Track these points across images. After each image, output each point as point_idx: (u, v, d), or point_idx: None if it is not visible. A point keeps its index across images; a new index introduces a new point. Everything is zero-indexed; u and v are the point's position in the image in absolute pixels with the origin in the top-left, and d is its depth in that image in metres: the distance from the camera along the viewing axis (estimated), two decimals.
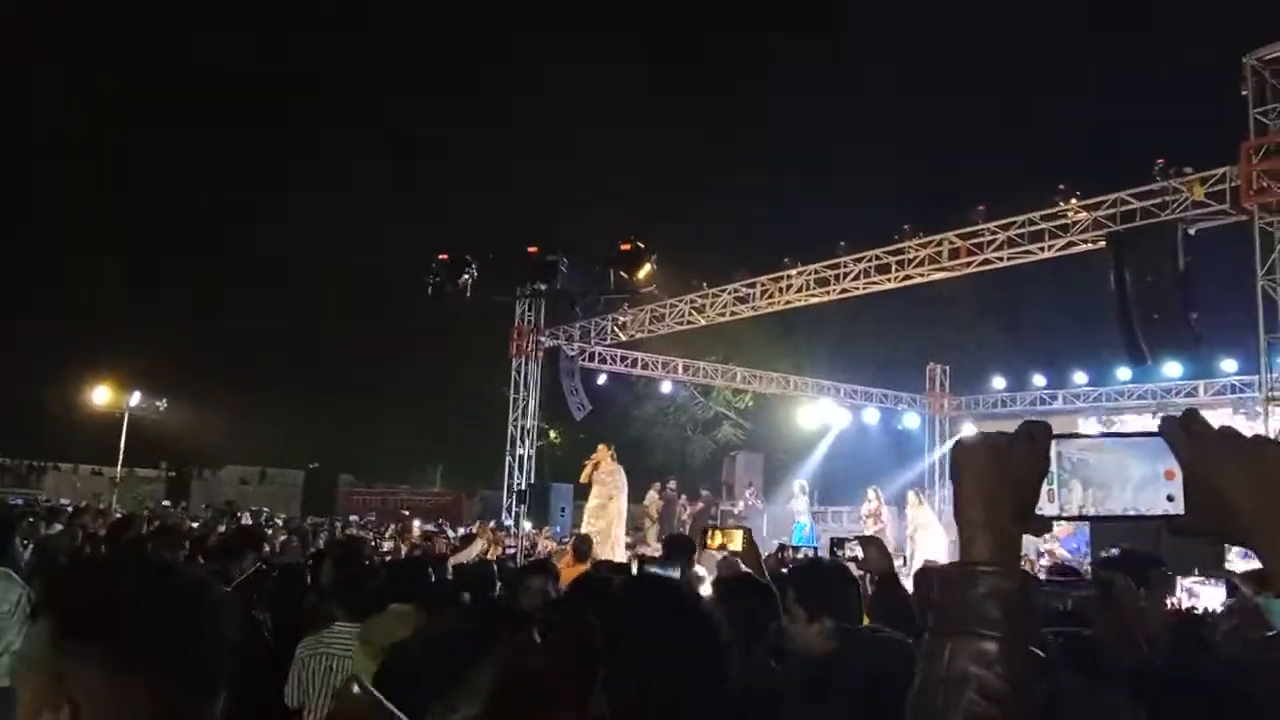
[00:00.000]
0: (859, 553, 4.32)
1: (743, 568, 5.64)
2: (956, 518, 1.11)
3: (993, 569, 1.06)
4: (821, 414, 22.40)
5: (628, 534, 19.26)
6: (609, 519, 13.44)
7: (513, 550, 10.78)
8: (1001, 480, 1.09)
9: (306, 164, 30.89)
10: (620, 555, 11.29)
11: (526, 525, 16.07)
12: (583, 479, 14.01)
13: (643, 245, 6.88)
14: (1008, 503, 1.09)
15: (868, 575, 4.11)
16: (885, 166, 24.24)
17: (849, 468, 23.14)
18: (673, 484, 19.91)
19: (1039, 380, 20.76)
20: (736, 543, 5.22)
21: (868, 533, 12.21)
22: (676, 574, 4.66)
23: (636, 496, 21.22)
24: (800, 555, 5.72)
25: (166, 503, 20.91)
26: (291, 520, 18.07)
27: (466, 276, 6.95)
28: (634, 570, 5.74)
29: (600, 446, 14.15)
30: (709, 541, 5.31)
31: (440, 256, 6.87)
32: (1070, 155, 21.46)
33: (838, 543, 4.59)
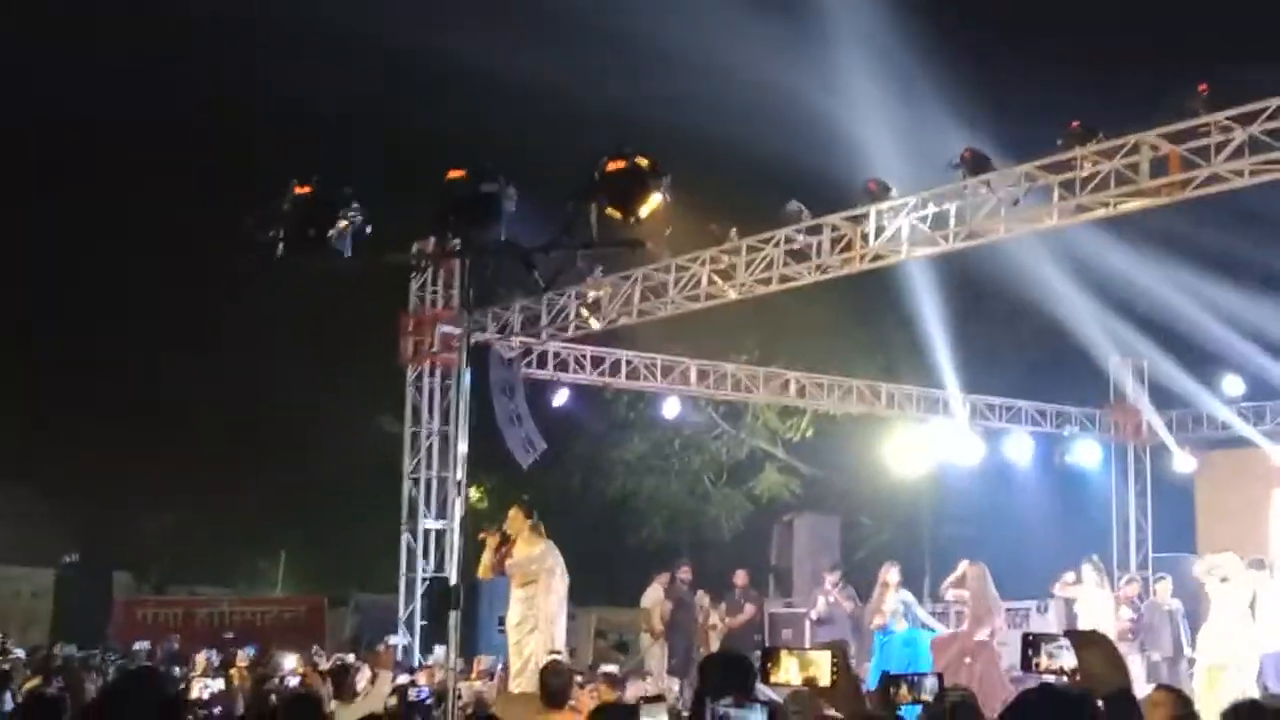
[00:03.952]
0: (1067, 661, 4.28)
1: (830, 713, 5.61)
2: None
3: None
4: (934, 446, 22.46)
5: (610, 656, 19.18)
6: (544, 616, 13.45)
7: (421, 695, 10.72)
8: None
9: None
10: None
11: (439, 651, 15.88)
12: (480, 572, 14.23)
13: (645, 162, 6.68)
14: None
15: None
16: (1038, 28, 24.23)
17: (981, 538, 23.13)
18: (686, 572, 19.88)
19: None
20: (822, 672, 5.17)
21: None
22: None
23: (628, 597, 21.21)
24: (926, 695, 5.66)
25: None
26: (38, 650, 17.89)
27: (345, 223, 6.71)
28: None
29: (512, 511, 14.40)
30: (772, 670, 5.26)
31: (297, 190, 6.61)
32: None
33: (1032, 644, 4.54)
